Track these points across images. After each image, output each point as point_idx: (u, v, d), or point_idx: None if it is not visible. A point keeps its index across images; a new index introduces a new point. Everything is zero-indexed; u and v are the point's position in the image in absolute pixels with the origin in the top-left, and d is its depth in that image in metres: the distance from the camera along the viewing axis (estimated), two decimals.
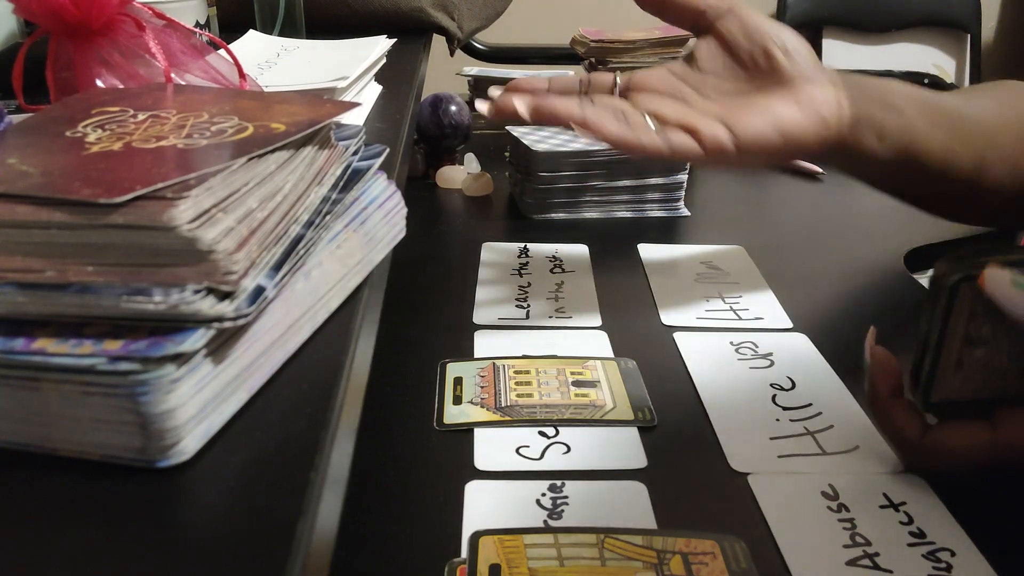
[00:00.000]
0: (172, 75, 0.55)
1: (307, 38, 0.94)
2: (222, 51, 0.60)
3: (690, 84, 0.67)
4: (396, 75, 0.88)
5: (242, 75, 0.59)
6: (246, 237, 0.34)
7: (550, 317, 0.76)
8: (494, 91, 0.66)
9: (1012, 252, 0.52)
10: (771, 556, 0.48)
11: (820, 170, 1.15)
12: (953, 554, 0.49)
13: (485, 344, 0.71)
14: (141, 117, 0.41)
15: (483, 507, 0.52)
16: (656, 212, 1.00)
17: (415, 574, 0.48)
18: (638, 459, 0.57)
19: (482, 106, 0.65)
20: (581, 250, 0.90)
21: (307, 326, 0.39)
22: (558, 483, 0.54)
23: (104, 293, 0.31)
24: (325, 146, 0.42)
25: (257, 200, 0.35)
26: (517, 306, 0.78)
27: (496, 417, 0.61)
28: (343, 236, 0.42)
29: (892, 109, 0.66)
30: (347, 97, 0.71)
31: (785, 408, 0.63)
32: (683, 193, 1.00)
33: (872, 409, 0.56)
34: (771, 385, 0.66)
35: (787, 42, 0.65)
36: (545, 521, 0.51)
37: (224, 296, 0.32)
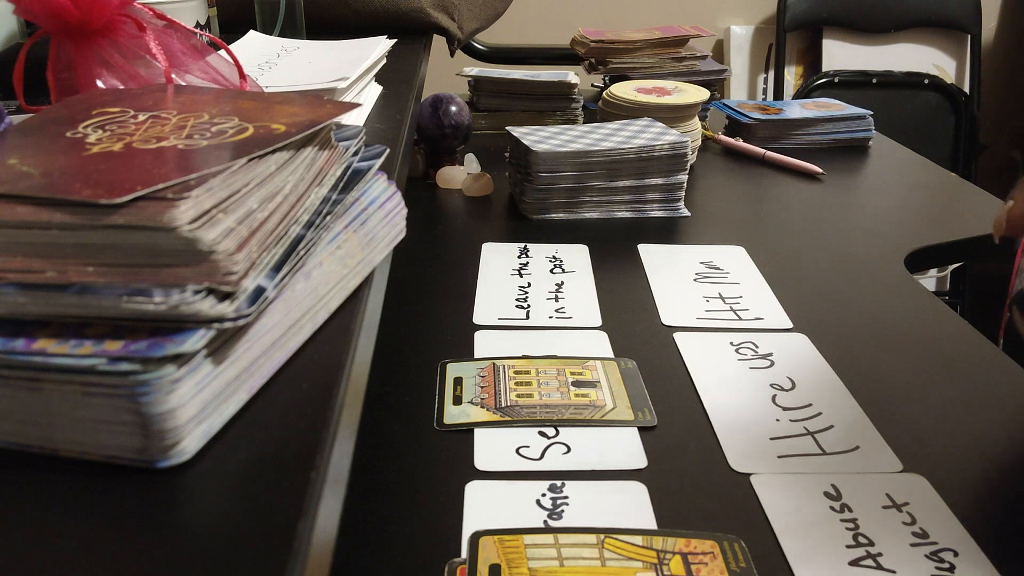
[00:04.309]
0: (172, 76, 0.55)
1: (307, 38, 0.94)
2: (222, 52, 0.60)
3: None
4: (396, 75, 0.88)
5: (242, 76, 0.59)
6: (246, 238, 0.34)
7: (550, 317, 0.76)
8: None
9: None
10: (773, 556, 0.48)
11: (820, 170, 1.15)
12: (956, 554, 0.49)
13: (485, 344, 0.71)
14: (141, 118, 0.41)
15: (483, 507, 0.52)
16: (656, 212, 1.00)
17: (415, 574, 0.48)
18: (638, 459, 0.57)
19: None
20: (581, 250, 0.90)
21: (307, 326, 0.39)
22: (558, 483, 0.54)
23: (105, 293, 0.31)
24: (325, 147, 0.42)
25: (257, 201, 0.35)
26: (517, 306, 0.78)
27: (496, 417, 0.61)
28: (343, 237, 0.42)
29: None
30: (347, 98, 0.71)
31: (785, 408, 0.63)
32: (683, 193, 1.00)
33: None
34: (771, 385, 0.66)
35: None
36: (545, 521, 0.51)
37: (224, 297, 0.32)
